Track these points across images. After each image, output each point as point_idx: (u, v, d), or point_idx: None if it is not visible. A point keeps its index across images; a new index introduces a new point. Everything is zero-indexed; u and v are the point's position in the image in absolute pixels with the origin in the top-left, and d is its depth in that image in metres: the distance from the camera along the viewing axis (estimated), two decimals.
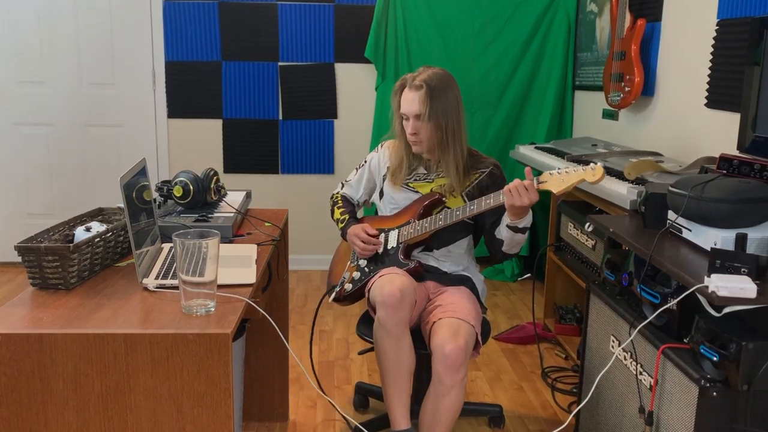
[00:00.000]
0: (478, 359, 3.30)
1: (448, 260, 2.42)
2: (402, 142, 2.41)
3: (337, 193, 2.63)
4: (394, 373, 2.18)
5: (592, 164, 2.05)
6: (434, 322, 2.21)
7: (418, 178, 2.42)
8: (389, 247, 2.37)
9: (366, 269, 2.41)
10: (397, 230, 2.39)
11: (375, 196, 2.54)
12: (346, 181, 2.63)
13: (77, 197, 4.61)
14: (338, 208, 2.57)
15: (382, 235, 2.40)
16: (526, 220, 2.24)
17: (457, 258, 2.44)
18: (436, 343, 2.12)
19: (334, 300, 2.46)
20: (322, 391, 2.41)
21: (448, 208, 2.35)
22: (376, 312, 2.20)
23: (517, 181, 2.12)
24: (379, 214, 2.54)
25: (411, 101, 2.30)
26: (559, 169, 2.11)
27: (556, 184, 2.10)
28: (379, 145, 2.56)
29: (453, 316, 2.19)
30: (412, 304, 2.19)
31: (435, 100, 2.27)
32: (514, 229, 2.24)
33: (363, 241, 2.38)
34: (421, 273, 2.36)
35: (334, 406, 2.37)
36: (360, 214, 2.62)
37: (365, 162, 2.56)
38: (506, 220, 2.25)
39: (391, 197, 2.45)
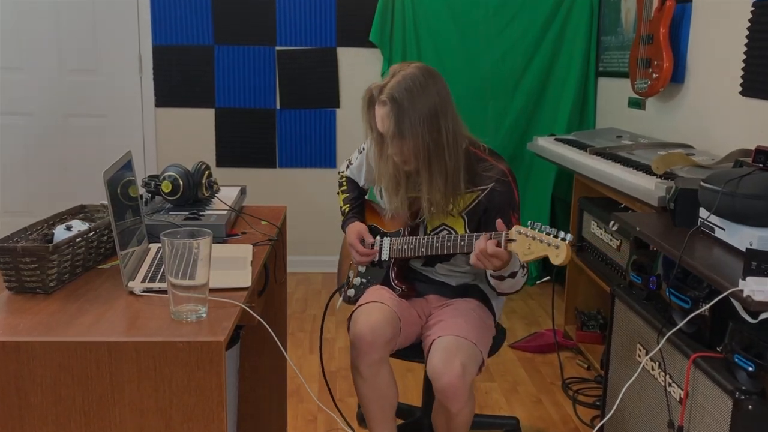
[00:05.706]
0: (492, 368, 3.30)
1: (452, 273, 2.38)
2: (388, 164, 2.22)
3: (343, 173, 2.60)
4: (372, 410, 2.24)
5: (561, 240, 1.91)
6: (433, 340, 2.17)
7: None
8: (383, 258, 2.35)
9: (363, 279, 2.42)
10: (389, 239, 2.35)
11: (375, 191, 2.47)
12: (350, 162, 2.58)
13: (57, 193, 4.62)
14: (343, 192, 2.54)
15: (378, 240, 2.37)
16: (510, 267, 2.11)
17: (462, 269, 2.37)
18: (431, 373, 2.10)
19: (343, 300, 2.47)
20: (336, 407, 2.42)
21: (450, 229, 2.27)
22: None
23: (483, 245, 1.99)
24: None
25: (381, 119, 2.14)
26: (532, 227, 1.96)
27: (522, 251, 1.97)
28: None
29: (452, 334, 2.14)
30: (389, 339, 2.15)
31: (406, 114, 2.08)
32: (499, 278, 2.16)
33: (358, 251, 2.36)
34: (412, 296, 2.35)
35: (348, 423, 2.38)
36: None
37: (363, 149, 2.48)
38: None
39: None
